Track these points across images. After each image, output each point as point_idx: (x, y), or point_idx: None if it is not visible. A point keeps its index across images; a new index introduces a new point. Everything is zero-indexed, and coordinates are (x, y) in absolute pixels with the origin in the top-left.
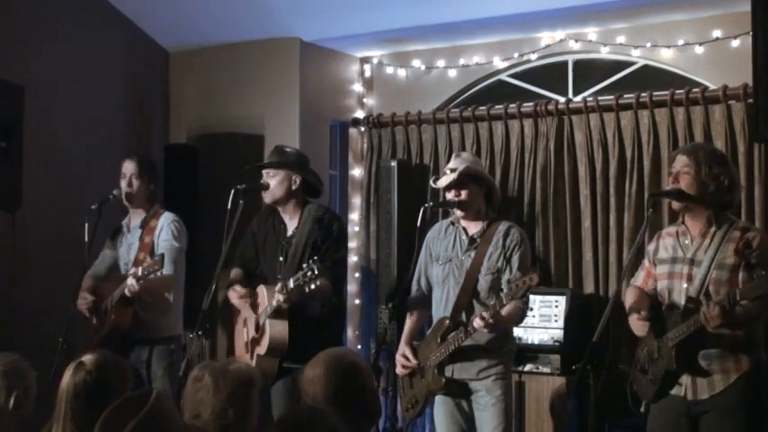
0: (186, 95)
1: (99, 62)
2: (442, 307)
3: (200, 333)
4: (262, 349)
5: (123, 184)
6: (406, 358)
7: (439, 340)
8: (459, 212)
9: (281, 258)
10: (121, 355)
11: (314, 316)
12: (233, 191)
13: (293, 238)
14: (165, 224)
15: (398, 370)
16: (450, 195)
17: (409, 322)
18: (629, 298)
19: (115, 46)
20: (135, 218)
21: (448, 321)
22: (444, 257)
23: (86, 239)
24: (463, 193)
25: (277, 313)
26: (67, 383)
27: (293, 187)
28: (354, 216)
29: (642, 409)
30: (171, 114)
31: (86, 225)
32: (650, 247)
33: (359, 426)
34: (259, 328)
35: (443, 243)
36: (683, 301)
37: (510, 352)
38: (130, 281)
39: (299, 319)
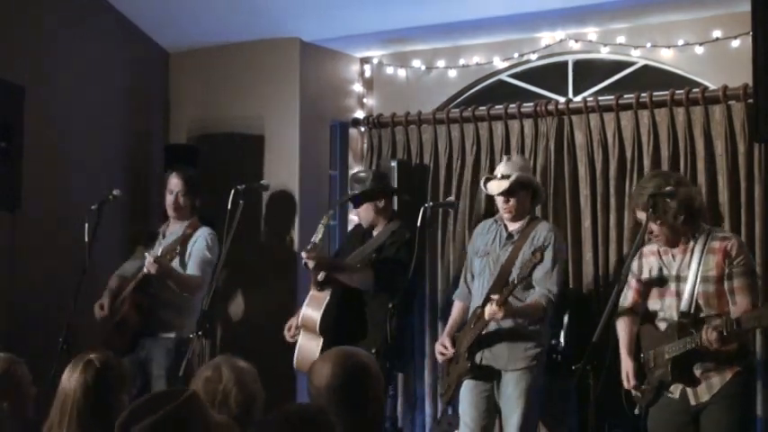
0: (186, 95)
1: (99, 62)
2: (478, 297)
3: (200, 333)
4: (298, 321)
5: (170, 199)
6: (445, 347)
7: (473, 326)
8: (506, 215)
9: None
10: (128, 347)
11: (360, 307)
12: (233, 191)
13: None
14: (202, 236)
15: (438, 358)
16: (499, 201)
17: (453, 314)
18: (621, 332)
19: (115, 46)
20: (174, 226)
21: (480, 310)
22: (483, 251)
23: (86, 239)
24: (512, 201)
25: (320, 286)
26: (76, 382)
27: (379, 208)
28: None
29: (636, 412)
30: (171, 114)
31: (86, 225)
32: (634, 266)
33: (357, 428)
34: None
35: (485, 238)
36: (675, 317)
37: (541, 344)
38: (148, 259)
39: (347, 309)
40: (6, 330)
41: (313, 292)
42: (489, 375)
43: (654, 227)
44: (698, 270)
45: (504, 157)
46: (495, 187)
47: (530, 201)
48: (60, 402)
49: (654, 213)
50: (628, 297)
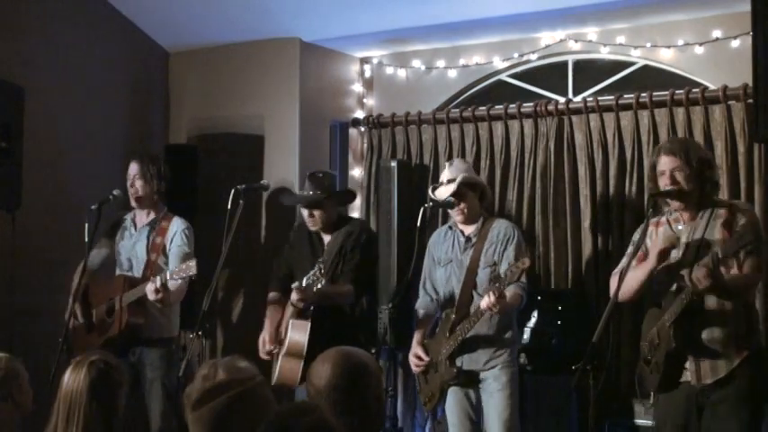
0: (186, 95)
1: (99, 62)
2: (447, 304)
3: (200, 333)
4: (283, 350)
5: (128, 185)
6: (419, 357)
7: (447, 334)
8: (458, 218)
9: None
10: (121, 354)
11: (341, 322)
12: (233, 191)
13: (326, 251)
14: (179, 230)
15: (413, 369)
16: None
17: (419, 325)
18: (613, 284)
19: (115, 46)
20: (141, 216)
21: (453, 315)
22: (445, 259)
23: (86, 239)
24: (462, 204)
25: (298, 315)
26: (82, 384)
27: (335, 214)
28: (354, 216)
29: (651, 402)
30: (171, 114)
31: (86, 225)
32: (635, 237)
33: (357, 429)
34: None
35: (443, 246)
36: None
37: (514, 343)
38: (153, 288)
39: (329, 323)
40: (6, 330)
41: (294, 321)
42: (471, 380)
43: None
44: (703, 235)
45: (447, 163)
46: (443, 192)
47: (478, 202)
48: (66, 405)
49: (654, 214)
50: (624, 262)
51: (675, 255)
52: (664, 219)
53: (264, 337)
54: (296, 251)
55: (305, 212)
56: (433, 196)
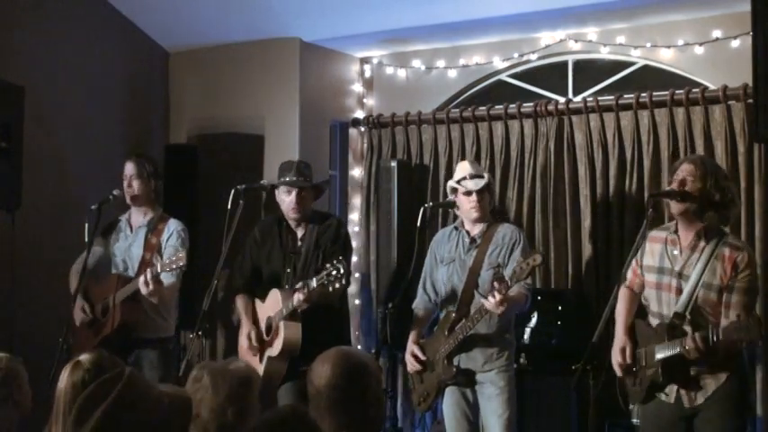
0: (186, 95)
1: (99, 62)
2: (447, 303)
3: (200, 333)
4: (274, 351)
5: (124, 185)
6: (416, 356)
7: (446, 333)
8: (475, 214)
9: (288, 270)
10: (121, 355)
11: (330, 318)
12: (233, 191)
13: (302, 247)
14: (175, 230)
15: (409, 368)
16: (470, 201)
17: (416, 323)
18: (620, 305)
19: (115, 46)
20: (137, 216)
21: (454, 314)
22: (448, 258)
23: (86, 239)
24: (484, 199)
25: (291, 315)
26: (65, 384)
27: (312, 203)
28: (354, 216)
29: (631, 407)
30: (171, 114)
31: (86, 225)
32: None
33: (356, 428)
34: (271, 331)
35: (447, 246)
36: (669, 314)
37: (511, 344)
38: (145, 280)
39: (315, 322)
40: (6, 330)
41: (286, 322)
42: (468, 379)
43: (672, 204)
44: (702, 274)
45: (468, 162)
46: (474, 184)
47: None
48: (56, 403)
49: (655, 213)
50: (627, 276)
51: (668, 280)
52: (663, 235)
53: (251, 333)
54: (264, 247)
55: (291, 198)
56: (459, 187)
